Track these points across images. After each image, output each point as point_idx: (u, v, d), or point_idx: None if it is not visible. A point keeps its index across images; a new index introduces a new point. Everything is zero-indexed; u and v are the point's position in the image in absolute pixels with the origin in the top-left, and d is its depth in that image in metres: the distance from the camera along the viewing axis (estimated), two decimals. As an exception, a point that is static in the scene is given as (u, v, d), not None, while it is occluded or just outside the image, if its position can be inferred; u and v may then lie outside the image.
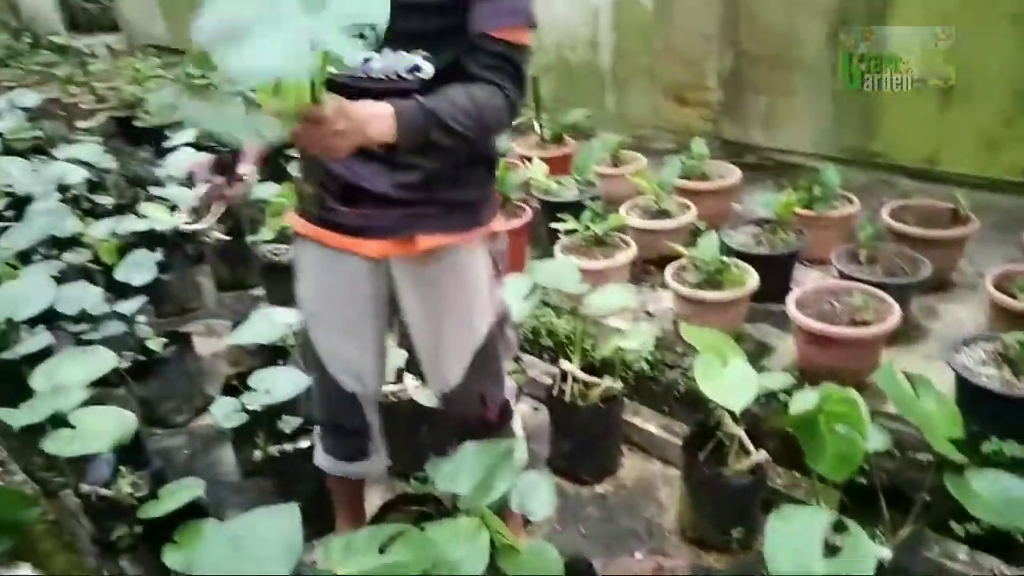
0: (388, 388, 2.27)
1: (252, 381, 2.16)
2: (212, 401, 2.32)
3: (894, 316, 2.35)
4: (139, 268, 2.78)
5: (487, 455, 1.50)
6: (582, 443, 2.41)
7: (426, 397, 2.21)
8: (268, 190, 3.25)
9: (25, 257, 2.76)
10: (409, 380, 2.33)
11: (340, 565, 1.24)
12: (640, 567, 2.01)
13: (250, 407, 2.15)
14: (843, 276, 2.67)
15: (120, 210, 3.52)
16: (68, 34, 9.25)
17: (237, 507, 2.31)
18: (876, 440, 1.67)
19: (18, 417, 1.86)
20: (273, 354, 2.52)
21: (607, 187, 3.66)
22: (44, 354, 2.21)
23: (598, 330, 2.66)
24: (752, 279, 2.67)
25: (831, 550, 1.31)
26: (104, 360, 2.06)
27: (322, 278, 1.61)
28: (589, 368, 2.43)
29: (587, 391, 2.38)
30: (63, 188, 3.42)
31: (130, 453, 2.08)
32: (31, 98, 4.70)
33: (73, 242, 3.02)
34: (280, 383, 2.15)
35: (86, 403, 1.90)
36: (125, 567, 2.04)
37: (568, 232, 3.11)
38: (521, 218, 3.32)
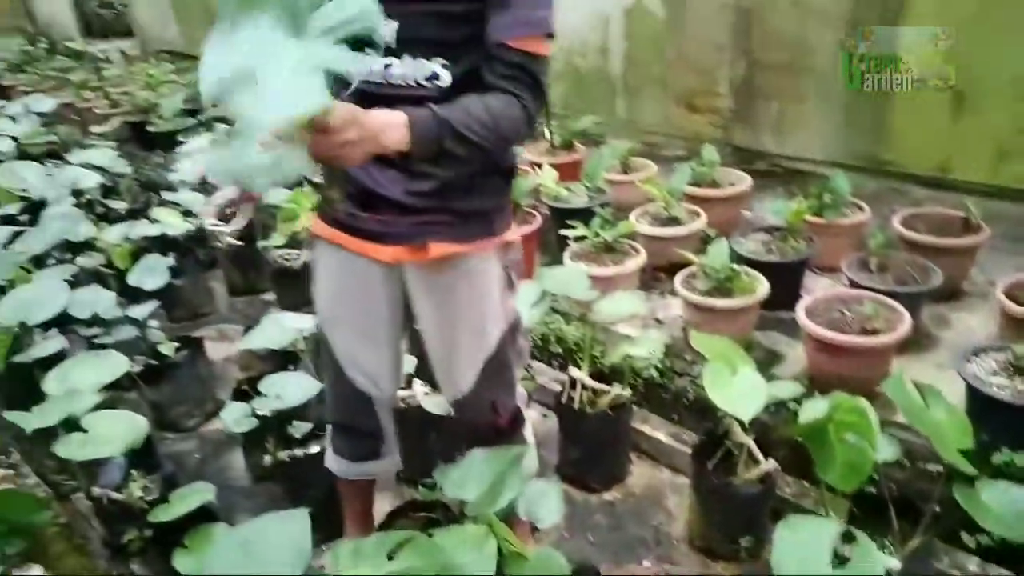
0: (398, 394, 2.28)
1: (263, 386, 2.17)
2: (223, 406, 2.33)
3: (904, 325, 2.35)
4: (152, 273, 2.80)
5: (495, 462, 1.50)
6: (591, 450, 2.41)
7: (435, 404, 2.22)
8: (279, 195, 3.27)
9: (39, 261, 2.78)
10: (418, 386, 2.34)
11: (349, 570, 1.24)
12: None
13: (260, 412, 2.16)
14: (853, 284, 2.66)
15: (133, 215, 3.55)
16: (83, 40, 9.34)
17: (247, 512, 2.32)
18: (886, 450, 1.66)
19: (31, 420, 1.87)
20: (284, 359, 2.53)
21: (617, 194, 3.66)
22: (57, 358, 2.23)
23: (607, 337, 2.66)
24: (762, 287, 2.66)
25: (840, 560, 1.31)
26: (116, 364, 2.07)
27: (339, 281, 1.63)
28: (598, 375, 2.43)
29: (596, 398, 2.38)
30: (77, 193, 3.45)
31: (141, 457, 2.10)
32: (46, 103, 4.74)
33: (86, 246, 3.05)
34: (290, 388, 2.16)
35: (98, 407, 1.91)
36: (135, 570, 2.05)
37: (578, 239, 3.11)
38: (530, 225, 3.32)
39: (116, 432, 1.86)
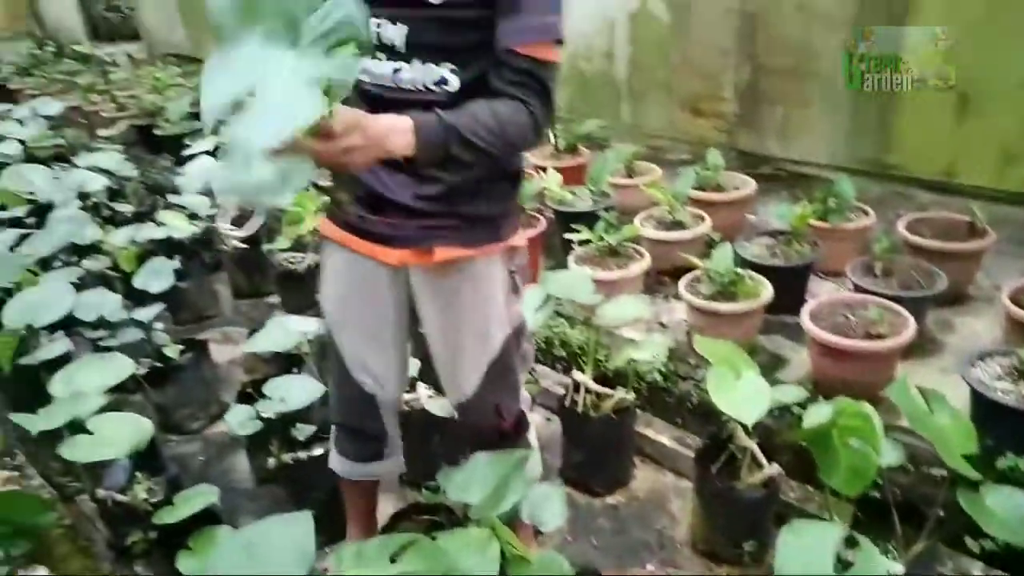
0: (403, 397, 2.28)
1: (267, 389, 2.18)
2: (227, 408, 2.34)
3: (909, 330, 2.34)
4: (157, 275, 2.81)
5: (499, 465, 1.51)
6: (594, 454, 2.41)
7: (439, 407, 2.23)
8: (284, 199, 3.27)
9: (46, 264, 2.79)
10: (422, 389, 2.35)
11: (351, 572, 1.24)
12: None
13: (265, 415, 2.16)
14: (858, 289, 2.66)
15: (139, 218, 3.56)
16: (90, 43, 9.38)
17: (251, 514, 2.33)
18: (890, 455, 1.66)
19: (36, 422, 1.88)
20: (288, 362, 2.54)
21: (621, 198, 3.67)
22: (63, 360, 2.23)
23: (611, 341, 2.66)
24: (766, 291, 2.66)
25: (843, 565, 1.31)
26: (122, 367, 2.08)
27: (346, 283, 1.63)
28: (602, 379, 2.43)
29: (600, 402, 2.38)
30: (84, 196, 3.46)
31: (146, 459, 2.10)
32: (54, 107, 4.76)
33: (93, 249, 3.06)
34: (295, 391, 2.16)
35: (103, 409, 1.92)
36: (139, 572, 2.05)
37: (582, 242, 3.12)
38: (535, 228, 3.33)
39: (121, 434, 1.86)
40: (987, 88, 3.30)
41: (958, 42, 3.17)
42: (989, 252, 2.89)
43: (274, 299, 3.62)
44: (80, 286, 2.53)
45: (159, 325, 2.77)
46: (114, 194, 3.83)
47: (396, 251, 1.52)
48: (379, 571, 1.25)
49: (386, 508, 2.10)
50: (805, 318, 2.44)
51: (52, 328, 2.37)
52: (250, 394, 2.33)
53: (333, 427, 1.88)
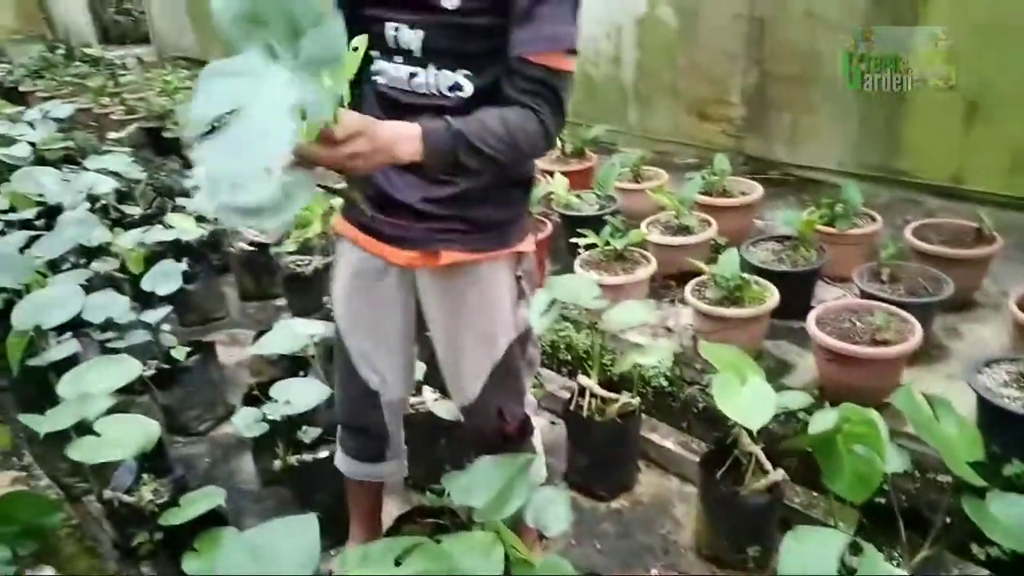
0: (409, 400, 2.29)
1: (273, 391, 2.19)
2: (234, 410, 2.35)
3: (915, 336, 2.34)
4: (165, 278, 2.82)
5: (503, 469, 1.51)
6: (599, 458, 2.41)
7: (445, 410, 2.23)
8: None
9: (55, 266, 2.81)
10: (428, 393, 2.35)
11: (356, 575, 1.25)
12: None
13: (271, 417, 2.17)
14: (865, 294, 2.66)
15: (147, 220, 3.58)
16: (101, 46, 9.44)
17: (256, 515, 2.34)
18: (895, 461, 1.66)
19: (44, 423, 1.89)
20: (294, 364, 2.55)
21: (628, 202, 3.67)
22: (71, 361, 2.24)
23: (617, 345, 2.67)
24: (772, 296, 2.66)
25: (847, 571, 1.31)
26: (129, 368, 2.09)
27: (356, 280, 1.65)
28: (607, 383, 2.43)
29: (605, 406, 2.38)
30: (93, 198, 3.48)
31: (152, 460, 2.11)
32: (64, 109, 4.78)
33: (101, 251, 3.07)
34: (301, 394, 2.17)
35: (111, 410, 1.93)
36: (145, 573, 2.06)
37: (588, 247, 3.12)
38: (541, 232, 3.33)
39: (128, 435, 1.87)
40: (996, 94, 3.30)
41: (967, 49, 3.16)
42: (997, 258, 2.88)
43: (281, 302, 3.63)
44: (88, 288, 2.54)
45: (166, 327, 2.78)
46: (123, 196, 3.86)
47: (404, 252, 1.54)
48: (384, 573, 1.25)
49: (391, 510, 2.11)
50: (811, 324, 2.44)
51: (60, 329, 2.38)
52: (256, 396, 2.33)
53: (339, 426, 1.89)
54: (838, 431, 1.63)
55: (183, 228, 3.25)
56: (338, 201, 2.00)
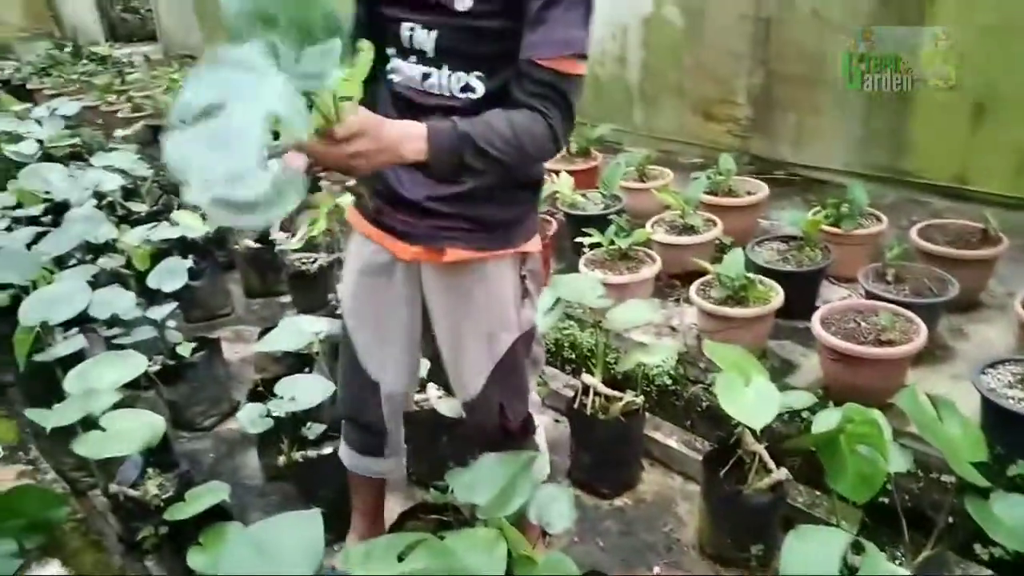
0: (413, 397, 2.30)
1: (278, 388, 2.19)
2: (239, 406, 2.35)
3: (920, 336, 2.33)
4: (171, 274, 2.83)
5: (506, 466, 1.52)
6: (602, 456, 2.42)
7: (448, 407, 2.24)
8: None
9: (61, 262, 2.82)
10: (432, 390, 2.36)
11: (359, 571, 1.26)
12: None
13: (275, 413, 2.18)
14: (870, 295, 2.65)
15: (153, 217, 3.59)
16: (108, 44, 9.46)
17: (260, 511, 2.35)
18: (898, 461, 1.66)
19: (50, 418, 1.90)
20: (299, 361, 2.56)
21: (633, 201, 3.67)
22: (77, 357, 2.25)
23: (621, 344, 2.67)
24: (777, 296, 2.66)
25: (849, 570, 1.31)
26: (135, 364, 2.10)
27: (364, 273, 1.66)
28: (611, 382, 2.44)
29: (608, 405, 2.38)
30: (99, 195, 3.49)
31: (158, 455, 2.12)
32: (71, 107, 4.79)
33: (107, 248, 3.08)
34: (305, 390, 2.17)
35: (116, 406, 1.94)
36: (150, 567, 2.07)
37: (593, 246, 3.12)
38: (546, 231, 3.33)
39: (133, 431, 1.88)
40: (1003, 95, 3.29)
41: (973, 50, 3.15)
42: (1002, 259, 2.88)
43: (286, 299, 3.64)
44: (95, 284, 2.56)
45: (172, 323, 2.79)
46: (129, 193, 3.87)
47: (410, 247, 1.54)
48: (387, 569, 1.26)
49: (394, 507, 2.12)
50: (816, 323, 2.44)
51: (67, 325, 2.39)
52: (261, 392, 2.35)
53: (343, 420, 1.90)
54: (841, 431, 1.63)
55: (189, 225, 3.26)
56: (345, 200, 2.01)
